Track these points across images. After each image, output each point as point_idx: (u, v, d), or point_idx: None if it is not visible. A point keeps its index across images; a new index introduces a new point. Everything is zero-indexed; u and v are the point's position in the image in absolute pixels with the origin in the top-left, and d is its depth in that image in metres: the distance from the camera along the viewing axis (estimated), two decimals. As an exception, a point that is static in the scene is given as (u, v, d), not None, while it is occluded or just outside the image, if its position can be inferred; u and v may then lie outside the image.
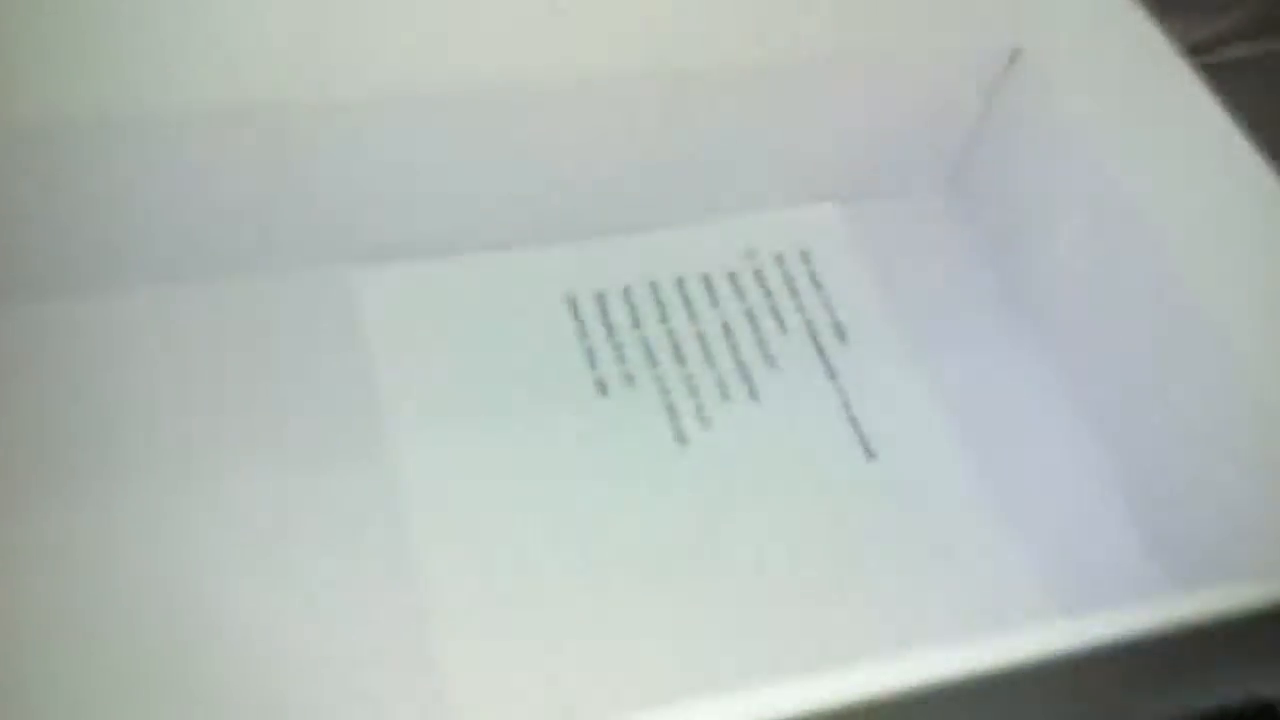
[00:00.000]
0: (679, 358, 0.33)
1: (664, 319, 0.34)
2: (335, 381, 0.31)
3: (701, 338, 0.33)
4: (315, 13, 0.29)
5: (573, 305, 0.33)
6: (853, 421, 0.33)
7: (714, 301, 0.34)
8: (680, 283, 0.34)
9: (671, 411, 0.32)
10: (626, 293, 0.34)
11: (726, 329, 0.34)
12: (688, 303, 0.34)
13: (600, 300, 0.34)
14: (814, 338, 0.34)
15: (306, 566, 0.28)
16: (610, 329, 0.33)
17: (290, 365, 0.31)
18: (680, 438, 0.32)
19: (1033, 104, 0.34)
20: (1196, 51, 0.33)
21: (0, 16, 0.26)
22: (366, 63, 0.30)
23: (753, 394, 0.33)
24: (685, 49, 0.32)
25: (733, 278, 0.35)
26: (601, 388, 0.32)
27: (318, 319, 0.32)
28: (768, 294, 0.35)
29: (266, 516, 0.28)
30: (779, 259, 0.35)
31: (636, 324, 0.33)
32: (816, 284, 0.35)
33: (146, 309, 0.30)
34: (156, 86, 0.28)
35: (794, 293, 0.35)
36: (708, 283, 0.34)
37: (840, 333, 0.34)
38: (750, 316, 0.34)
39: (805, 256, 0.36)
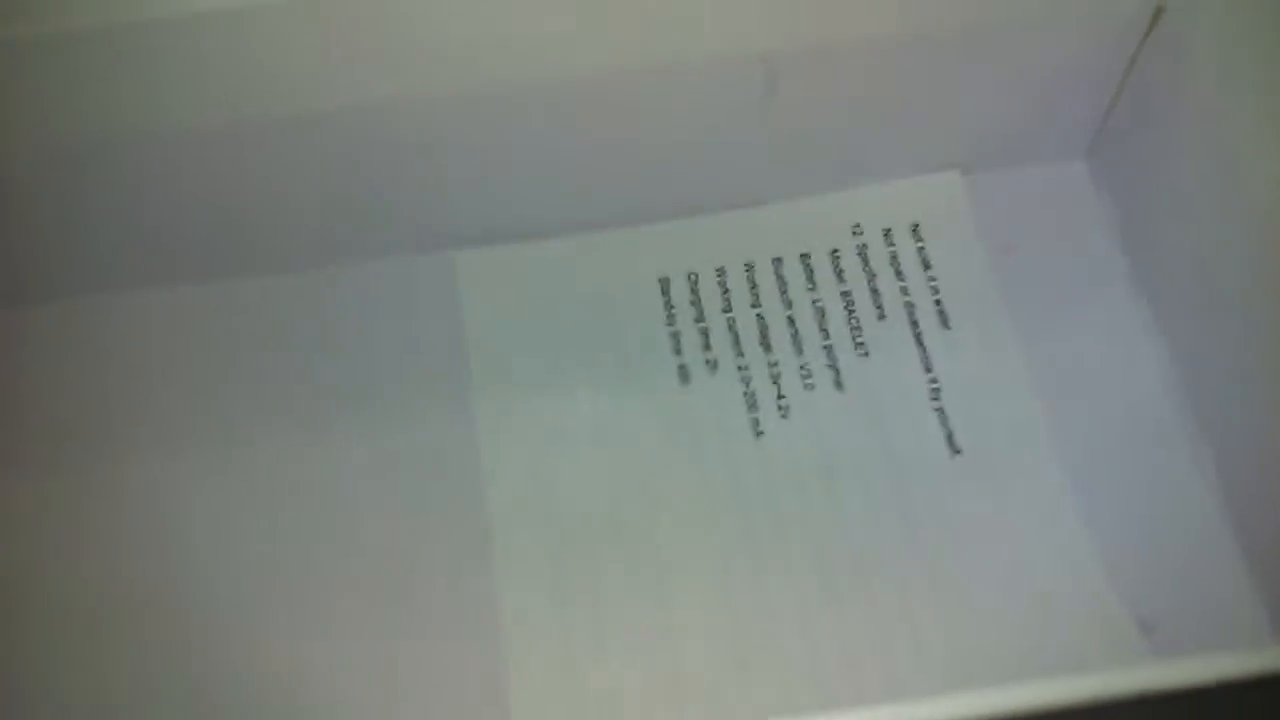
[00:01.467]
0: (765, 343, 0.33)
1: (755, 301, 0.33)
2: (429, 361, 0.32)
3: (792, 321, 0.33)
4: (395, 11, 0.29)
5: (665, 286, 0.33)
6: (941, 414, 0.32)
7: (810, 282, 0.33)
8: (777, 262, 0.34)
9: (751, 402, 0.32)
10: (720, 273, 0.34)
11: (820, 312, 0.33)
12: (782, 283, 0.33)
13: (693, 281, 0.34)
14: (913, 324, 0.33)
15: (382, 548, 0.30)
16: (700, 312, 0.33)
17: (387, 346, 0.33)
18: (757, 430, 0.32)
19: (1170, 70, 0.31)
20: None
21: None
22: (457, 57, 0.30)
23: (838, 384, 0.32)
24: (797, 22, 0.31)
25: (834, 256, 0.34)
26: (684, 375, 0.32)
27: (416, 302, 0.33)
28: (870, 273, 0.33)
29: (352, 491, 0.31)
30: (887, 234, 0.34)
31: (727, 306, 0.33)
32: (925, 262, 0.33)
33: (252, 298, 0.33)
34: (251, 94, 0.30)
35: (899, 273, 0.33)
36: (806, 261, 0.34)
37: (943, 318, 0.33)
38: (847, 299, 0.33)
39: (915, 231, 0.34)
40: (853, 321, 0.33)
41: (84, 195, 0.30)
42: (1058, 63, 0.32)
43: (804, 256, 0.34)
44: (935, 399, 0.32)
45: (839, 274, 0.33)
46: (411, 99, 0.30)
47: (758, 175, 0.34)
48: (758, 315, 0.33)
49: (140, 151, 0.29)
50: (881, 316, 0.33)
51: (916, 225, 0.34)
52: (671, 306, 0.33)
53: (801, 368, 0.32)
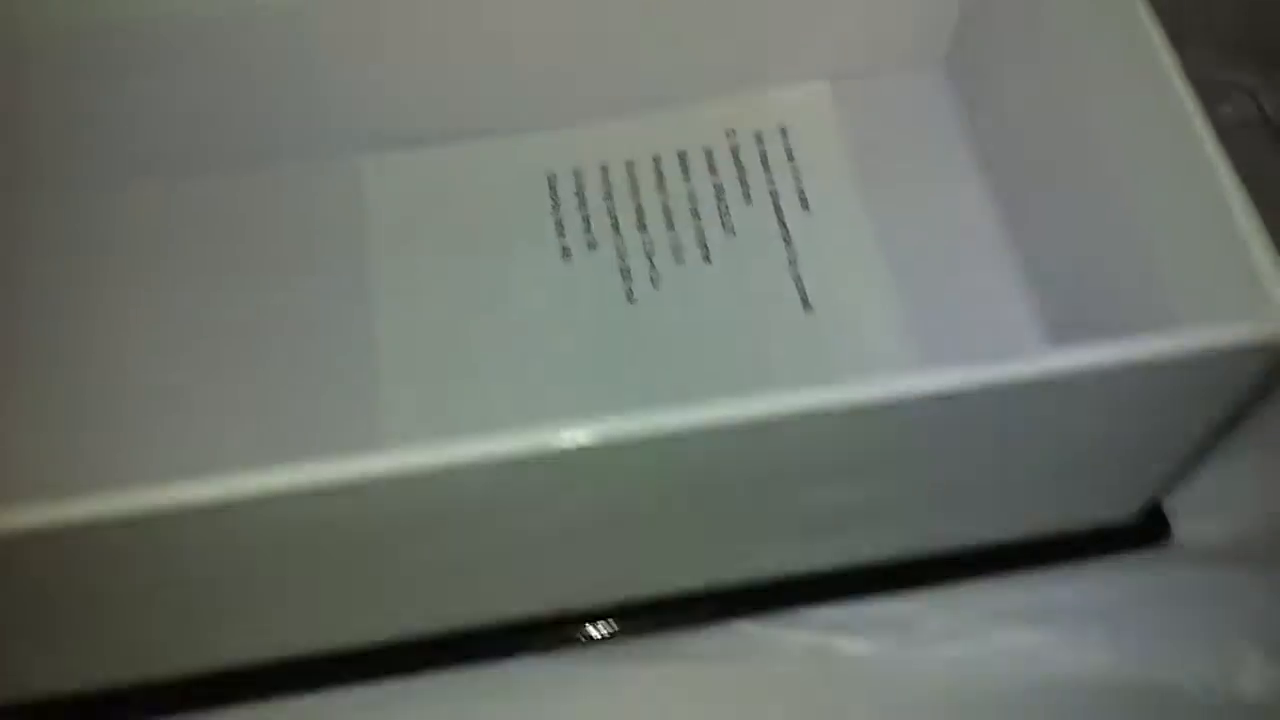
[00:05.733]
0: (641, 226, 0.36)
1: (634, 193, 0.36)
2: (332, 255, 0.36)
3: (667, 209, 0.36)
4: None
5: (551, 182, 0.37)
6: (797, 279, 0.34)
7: (686, 177, 0.36)
8: (656, 160, 0.37)
9: (625, 274, 0.35)
10: (604, 170, 0.37)
11: (694, 200, 0.36)
12: (660, 178, 0.36)
13: (578, 177, 0.37)
14: (777, 208, 0.36)
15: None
16: (582, 202, 0.36)
17: (293, 240, 0.36)
18: (630, 297, 0.34)
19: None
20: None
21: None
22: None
23: (706, 257, 0.35)
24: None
25: (709, 154, 0.37)
26: (566, 253, 0.35)
27: (321, 201, 0.36)
28: (740, 169, 0.36)
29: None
30: (758, 136, 0.37)
31: (608, 197, 0.36)
32: (790, 158, 0.36)
33: (162, 198, 0.37)
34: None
35: (766, 167, 0.36)
36: (682, 160, 0.37)
37: (804, 202, 0.36)
38: (719, 190, 0.36)
39: (785, 133, 0.37)
40: (722, 206, 0.36)
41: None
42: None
43: (681, 154, 0.37)
44: (793, 265, 0.34)
45: (712, 168, 0.37)
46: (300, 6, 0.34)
47: (640, 84, 0.37)
48: (636, 205, 0.36)
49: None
50: (749, 201, 0.36)
51: (785, 129, 0.37)
52: (557, 198, 0.36)
53: (673, 245, 0.35)
